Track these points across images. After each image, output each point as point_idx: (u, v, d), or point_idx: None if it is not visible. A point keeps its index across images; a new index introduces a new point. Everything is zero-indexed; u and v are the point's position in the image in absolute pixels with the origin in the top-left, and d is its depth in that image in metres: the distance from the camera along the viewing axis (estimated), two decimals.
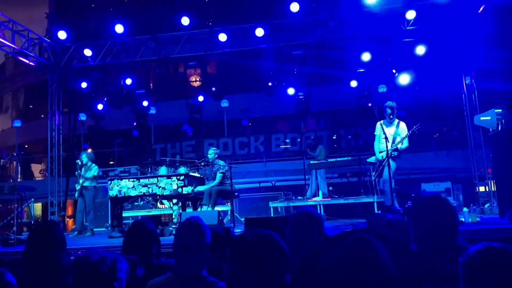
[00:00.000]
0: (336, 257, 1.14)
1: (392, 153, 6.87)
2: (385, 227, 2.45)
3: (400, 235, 2.24)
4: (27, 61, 12.12)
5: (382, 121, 7.13)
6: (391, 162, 6.75)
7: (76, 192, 9.08)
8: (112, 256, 1.56)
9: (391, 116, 7.11)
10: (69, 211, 16.24)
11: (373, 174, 7.45)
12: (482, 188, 10.99)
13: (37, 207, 15.61)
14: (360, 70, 12.30)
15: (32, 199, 11.73)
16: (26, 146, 19.13)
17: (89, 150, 11.49)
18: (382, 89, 12.59)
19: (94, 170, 9.01)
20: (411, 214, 2.43)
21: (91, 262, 1.50)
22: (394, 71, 11.78)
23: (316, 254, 1.84)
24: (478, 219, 6.31)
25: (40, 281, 2.58)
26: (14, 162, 17.13)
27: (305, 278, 1.72)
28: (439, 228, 2.31)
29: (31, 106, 23.02)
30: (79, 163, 9.11)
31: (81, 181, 8.98)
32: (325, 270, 1.16)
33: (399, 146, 6.97)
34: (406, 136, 6.93)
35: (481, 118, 6.77)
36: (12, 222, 10.38)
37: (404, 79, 11.38)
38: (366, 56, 11.41)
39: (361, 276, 1.05)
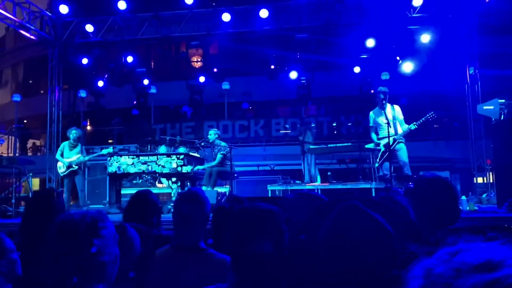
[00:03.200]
0: (329, 229, 1.11)
1: (399, 139, 6.91)
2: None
3: (399, 209, 2.19)
4: (27, 35, 11.99)
5: (372, 111, 7.24)
6: (403, 146, 6.83)
7: (66, 170, 8.64)
8: (96, 214, 1.44)
9: (384, 101, 7.11)
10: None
11: (377, 161, 7.40)
12: (480, 179, 11.02)
13: (35, 183, 15.62)
14: (363, 56, 12.20)
15: (31, 174, 11.73)
16: (25, 121, 19.05)
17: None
18: (385, 76, 12.51)
19: (85, 153, 8.78)
20: (413, 194, 2.39)
21: (70, 219, 1.41)
22: (398, 58, 11.69)
23: (305, 227, 1.83)
24: (476, 208, 6.33)
25: (37, 251, 2.53)
26: (13, 137, 17.07)
27: (300, 253, 1.69)
28: (440, 209, 2.28)
29: (30, 81, 22.84)
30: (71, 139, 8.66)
31: (68, 162, 8.58)
32: (321, 245, 1.12)
33: (400, 131, 6.99)
34: (419, 122, 6.92)
35: (484, 107, 6.75)
36: (10, 195, 10.41)
37: (407, 67, 11.31)
38: (370, 43, 11.33)
39: (363, 241, 1.02)
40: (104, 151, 8.50)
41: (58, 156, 8.79)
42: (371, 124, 7.40)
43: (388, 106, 7.12)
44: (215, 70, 13.96)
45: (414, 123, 6.95)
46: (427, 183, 2.38)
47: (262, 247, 1.36)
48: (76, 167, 8.66)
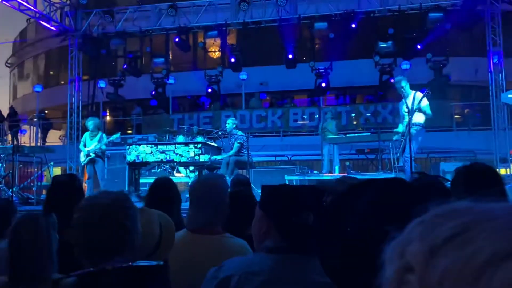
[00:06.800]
0: (371, 200, 1.09)
1: (414, 127, 6.77)
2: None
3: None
4: (48, 26, 12.14)
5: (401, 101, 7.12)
6: (413, 133, 6.67)
7: (85, 159, 8.65)
8: (121, 195, 1.51)
9: (402, 90, 6.98)
10: (86, 177, 16.50)
11: (397, 151, 7.27)
12: (503, 171, 10.76)
13: (56, 172, 15.91)
14: (383, 45, 11.98)
15: (52, 163, 11.95)
16: (46, 111, 19.35)
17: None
18: (405, 65, 12.27)
19: (105, 140, 8.70)
20: (461, 182, 2.19)
21: (99, 203, 1.46)
22: (419, 47, 11.45)
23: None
24: None
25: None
26: (34, 127, 17.37)
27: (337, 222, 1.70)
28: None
29: (51, 72, 23.18)
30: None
31: (87, 151, 8.56)
32: (361, 216, 1.10)
33: (416, 119, 6.86)
34: (418, 104, 6.76)
35: (509, 95, 6.56)
36: (32, 184, 10.64)
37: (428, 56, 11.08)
38: (390, 31, 11.13)
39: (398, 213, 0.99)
40: (113, 137, 8.56)
41: (81, 146, 8.93)
42: (400, 114, 7.35)
43: (411, 93, 7.00)
44: (232, 60, 13.89)
45: (412, 107, 6.78)
46: (477, 170, 2.22)
47: (305, 218, 1.43)
48: (93, 155, 8.67)
